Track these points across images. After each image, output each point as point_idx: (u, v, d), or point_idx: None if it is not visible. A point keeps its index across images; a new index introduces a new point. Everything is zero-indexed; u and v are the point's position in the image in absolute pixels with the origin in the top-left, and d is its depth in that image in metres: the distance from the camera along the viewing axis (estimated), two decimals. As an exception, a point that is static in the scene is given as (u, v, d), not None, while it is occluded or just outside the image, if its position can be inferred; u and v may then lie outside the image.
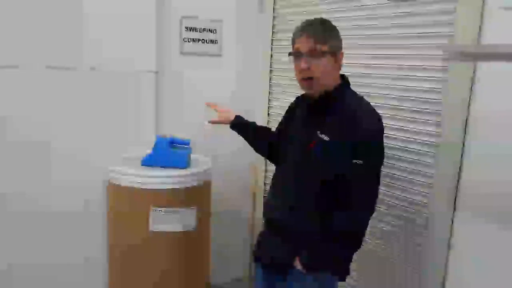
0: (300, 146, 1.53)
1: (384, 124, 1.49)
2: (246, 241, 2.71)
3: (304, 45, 1.44)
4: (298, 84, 1.54)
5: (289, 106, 1.78)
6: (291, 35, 1.53)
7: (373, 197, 1.48)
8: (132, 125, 2.23)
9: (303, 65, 1.44)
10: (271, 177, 1.73)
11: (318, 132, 1.46)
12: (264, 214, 1.68)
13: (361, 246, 1.50)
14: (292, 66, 1.53)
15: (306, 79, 1.47)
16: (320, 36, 1.45)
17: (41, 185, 2.03)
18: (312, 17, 1.53)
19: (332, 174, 1.43)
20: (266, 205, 1.70)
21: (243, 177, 2.46)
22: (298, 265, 1.48)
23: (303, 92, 1.63)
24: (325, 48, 1.44)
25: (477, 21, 1.52)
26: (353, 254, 1.53)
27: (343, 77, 1.55)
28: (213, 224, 2.26)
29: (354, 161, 1.40)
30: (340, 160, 1.41)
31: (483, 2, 1.51)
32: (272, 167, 2.08)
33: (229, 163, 2.41)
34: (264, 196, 2.54)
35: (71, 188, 2.09)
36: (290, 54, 1.52)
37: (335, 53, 1.48)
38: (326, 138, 1.44)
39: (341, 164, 1.41)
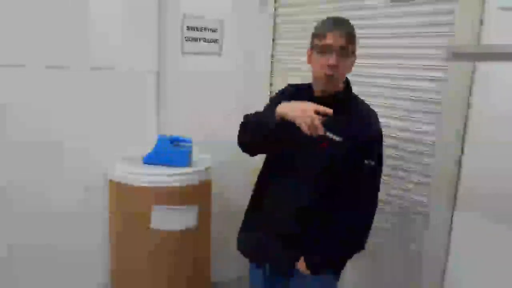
0: (308, 146, 1.47)
1: (384, 124, 1.51)
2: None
3: (337, 41, 1.40)
4: (314, 78, 1.50)
5: (281, 98, 1.62)
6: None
7: (377, 196, 1.51)
8: (134, 124, 2.23)
9: (333, 61, 1.40)
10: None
11: (328, 132, 1.43)
12: (264, 216, 1.64)
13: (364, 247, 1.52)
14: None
15: (329, 76, 1.43)
16: (351, 35, 1.44)
17: (42, 184, 2.03)
18: (331, 15, 1.50)
19: (342, 175, 1.43)
20: (265, 207, 1.63)
21: (244, 175, 2.47)
22: (302, 267, 1.48)
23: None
24: (353, 48, 1.45)
25: (477, 21, 1.53)
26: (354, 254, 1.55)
27: (346, 78, 1.54)
28: (214, 222, 2.27)
29: (366, 161, 1.41)
30: (351, 161, 1.41)
31: (483, 2, 1.51)
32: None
33: (230, 161, 2.41)
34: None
35: (72, 187, 2.09)
36: (316, 46, 1.45)
37: (354, 54, 1.49)
38: (338, 139, 1.42)
39: (353, 165, 1.41)
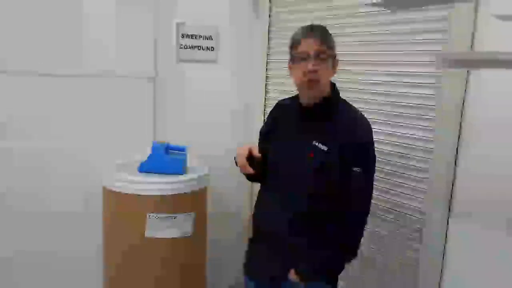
0: (296, 156, 1.48)
1: (379, 130, 1.51)
2: (243, 246, 2.70)
3: (311, 46, 1.40)
4: (298, 87, 1.51)
5: (270, 116, 1.70)
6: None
7: (369, 202, 1.50)
8: (129, 131, 2.23)
9: (311, 66, 1.40)
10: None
11: (315, 141, 1.44)
12: (257, 226, 1.65)
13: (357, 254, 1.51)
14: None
15: (311, 82, 1.43)
16: (326, 38, 1.44)
17: (39, 188, 2.03)
18: (324, 22, 1.51)
19: (331, 183, 1.42)
20: (259, 217, 1.65)
21: (240, 183, 2.46)
22: (293, 277, 1.47)
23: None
24: (330, 51, 1.44)
25: (471, 28, 1.54)
26: (348, 262, 1.54)
27: (332, 84, 1.54)
28: (210, 229, 2.26)
29: (354, 169, 1.40)
30: (340, 168, 1.41)
31: (476, 9, 1.53)
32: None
33: (226, 168, 2.41)
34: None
35: (68, 193, 2.09)
36: (293, 56, 1.46)
37: (335, 58, 1.49)
38: (325, 148, 1.42)
39: (341, 173, 1.41)
